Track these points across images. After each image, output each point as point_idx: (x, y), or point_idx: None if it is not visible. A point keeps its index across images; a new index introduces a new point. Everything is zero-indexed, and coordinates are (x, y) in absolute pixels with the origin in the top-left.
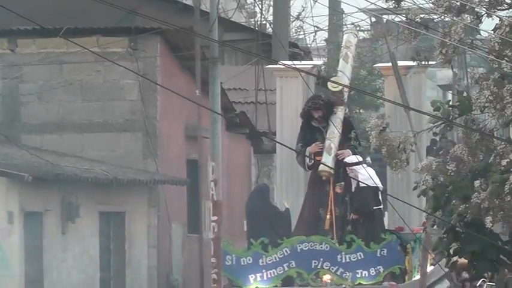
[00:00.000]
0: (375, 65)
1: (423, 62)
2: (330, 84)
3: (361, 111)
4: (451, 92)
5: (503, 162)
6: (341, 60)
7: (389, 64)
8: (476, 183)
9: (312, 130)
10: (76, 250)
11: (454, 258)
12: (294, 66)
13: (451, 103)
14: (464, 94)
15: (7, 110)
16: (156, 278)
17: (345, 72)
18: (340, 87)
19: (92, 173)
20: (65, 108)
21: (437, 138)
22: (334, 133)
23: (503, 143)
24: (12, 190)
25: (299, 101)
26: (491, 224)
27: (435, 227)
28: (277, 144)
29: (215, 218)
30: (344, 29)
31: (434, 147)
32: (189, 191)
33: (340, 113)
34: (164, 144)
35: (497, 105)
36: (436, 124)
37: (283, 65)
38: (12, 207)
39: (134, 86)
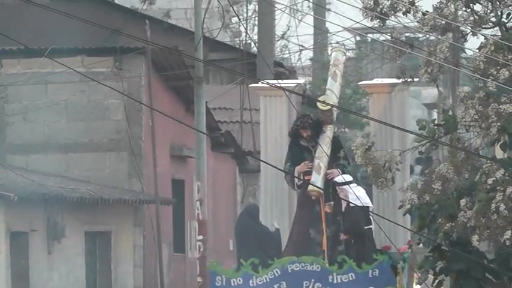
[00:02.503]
0: (359, 83)
1: (408, 80)
2: (319, 103)
3: (346, 130)
4: (436, 110)
5: (489, 181)
6: (329, 78)
7: (374, 82)
8: (462, 202)
9: (300, 149)
10: (62, 270)
11: (440, 277)
12: (277, 84)
13: (436, 122)
14: (450, 113)
15: None
16: None
17: (333, 91)
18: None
19: (78, 193)
20: (50, 128)
21: (423, 157)
22: (323, 152)
23: (488, 161)
24: None
25: (283, 120)
26: (477, 243)
27: (420, 245)
28: (261, 163)
29: (201, 237)
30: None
31: (418, 165)
32: (175, 211)
33: (329, 131)
34: (149, 164)
35: (483, 124)
36: (421, 143)
37: (268, 83)
38: None
39: (119, 106)
